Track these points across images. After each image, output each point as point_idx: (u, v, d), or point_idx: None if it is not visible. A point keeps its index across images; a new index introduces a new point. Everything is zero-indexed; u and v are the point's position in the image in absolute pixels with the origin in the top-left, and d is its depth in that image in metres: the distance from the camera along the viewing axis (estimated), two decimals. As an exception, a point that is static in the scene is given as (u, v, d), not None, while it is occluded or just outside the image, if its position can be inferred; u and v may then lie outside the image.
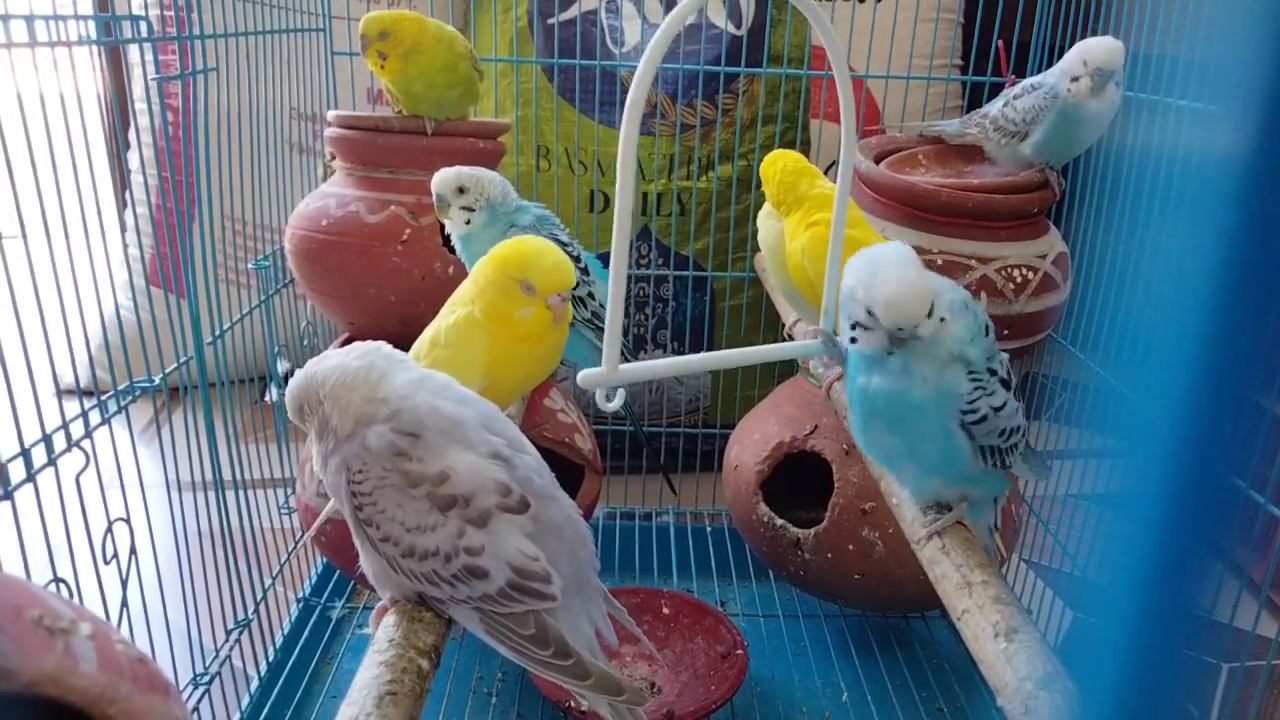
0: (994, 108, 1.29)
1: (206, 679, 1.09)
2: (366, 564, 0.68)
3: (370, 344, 0.71)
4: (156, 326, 1.05)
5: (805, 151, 1.71)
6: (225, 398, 1.14)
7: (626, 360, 0.79)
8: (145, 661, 0.50)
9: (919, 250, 1.19)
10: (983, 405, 0.70)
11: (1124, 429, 0.24)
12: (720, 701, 1.11)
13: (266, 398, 2.04)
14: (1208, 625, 0.24)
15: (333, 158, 1.28)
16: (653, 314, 1.74)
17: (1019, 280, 1.21)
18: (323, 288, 1.25)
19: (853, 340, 0.70)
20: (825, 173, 1.72)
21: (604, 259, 1.47)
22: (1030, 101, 1.22)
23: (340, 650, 1.30)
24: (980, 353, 0.70)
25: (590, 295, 1.07)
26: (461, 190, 1.05)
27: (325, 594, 1.39)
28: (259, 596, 1.23)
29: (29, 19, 0.81)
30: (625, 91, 1.63)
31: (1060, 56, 1.23)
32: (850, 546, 1.17)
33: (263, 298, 1.30)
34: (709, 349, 1.72)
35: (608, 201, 1.69)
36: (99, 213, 0.93)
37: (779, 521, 1.23)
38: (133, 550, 0.93)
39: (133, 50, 1.78)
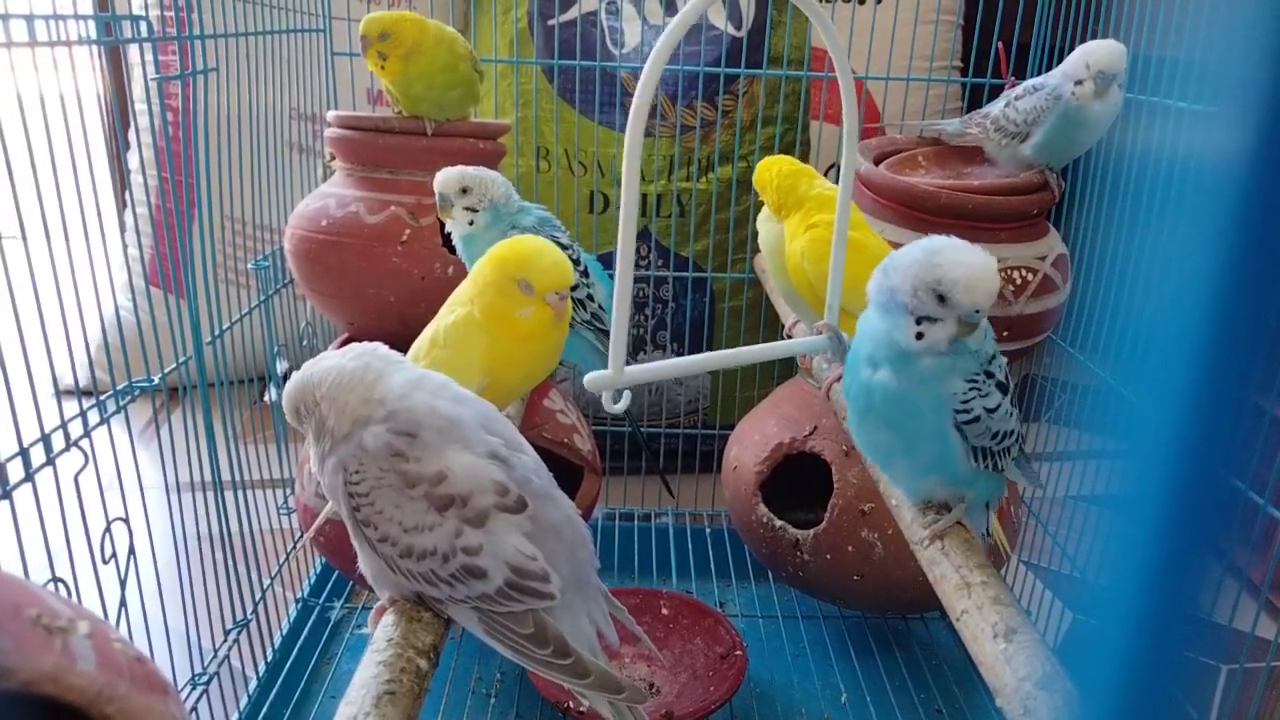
0: (995, 108, 1.29)
1: (205, 679, 1.08)
2: (365, 564, 0.68)
3: (366, 345, 0.71)
4: (156, 327, 1.05)
5: (805, 153, 1.71)
6: (224, 398, 1.14)
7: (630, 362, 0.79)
8: (143, 661, 0.50)
9: (919, 252, 1.19)
10: (976, 406, 0.70)
11: (1123, 430, 0.24)
12: (719, 702, 1.11)
13: (266, 398, 2.04)
14: (1207, 627, 0.24)
15: (333, 158, 1.28)
16: (652, 315, 1.74)
17: (1018, 282, 1.21)
18: (322, 288, 1.25)
19: (919, 336, 0.68)
20: (825, 174, 1.73)
21: (604, 260, 1.48)
22: (1032, 103, 1.22)
23: (339, 650, 1.30)
24: (979, 354, 0.70)
25: (590, 297, 1.07)
26: (465, 190, 1.05)
27: (324, 594, 1.39)
28: (258, 597, 1.23)
29: (29, 19, 0.81)
30: (625, 93, 1.64)
31: (1060, 58, 1.23)
32: (849, 548, 1.17)
33: (262, 298, 1.30)
34: (708, 350, 1.72)
35: (608, 203, 1.69)
36: (99, 213, 0.92)
37: (778, 522, 1.23)
38: (131, 550, 0.93)
39: (133, 50, 1.78)
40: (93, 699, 0.44)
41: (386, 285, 1.20)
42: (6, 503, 0.74)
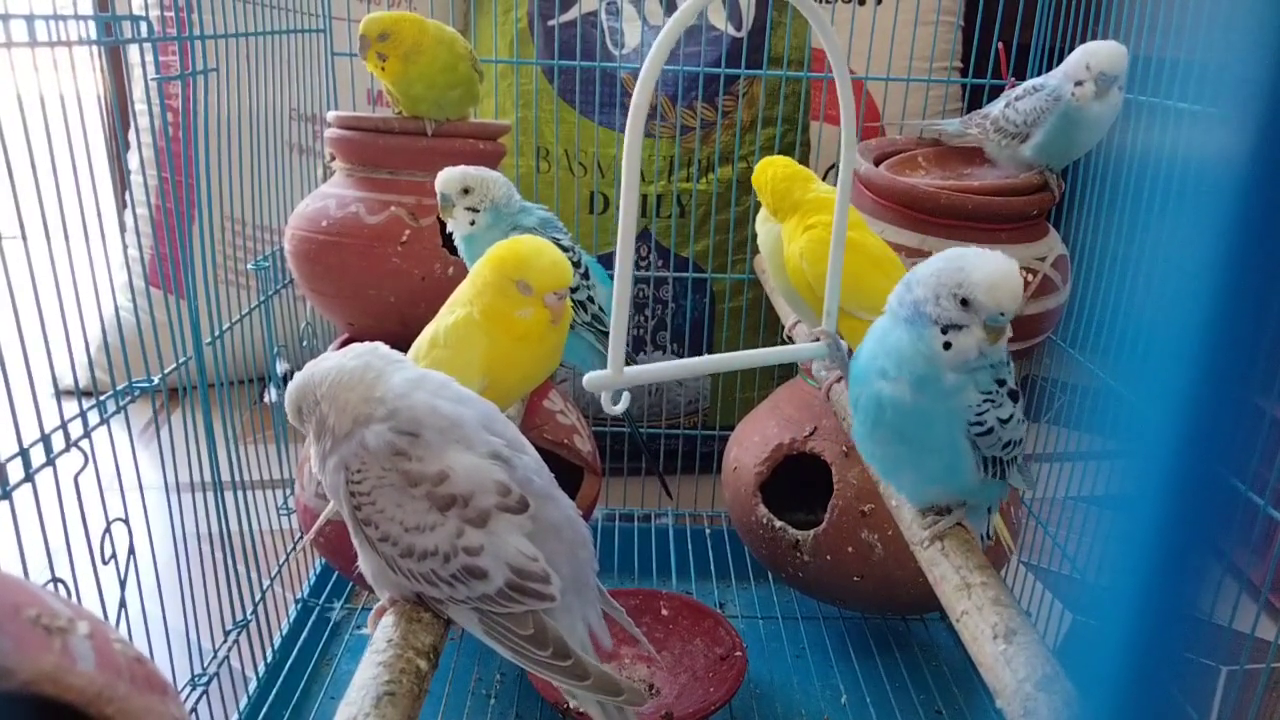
0: (995, 108, 1.29)
1: (205, 679, 1.08)
2: (365, 564, 0.68)
3: (367, 345, 0.71)
4: (156, 327, 1.05)
5: (805, 154, 1.71)
6: (224, 398, 1.14)
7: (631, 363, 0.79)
8: (143, 661, 0.50)
9: (918, 253, 1.20)
10: (990, 417, 0.69)
11: (1123, 431, 0.24)
12: (719, 703, 1.11)
13: (266, 398, 2.04)
14: (1206, 628, 0.24)
15: (333, 158, 1.28)
16: (652, 315, 1.74)
17: (1018, 282, 1.21)
18: (322, 288, 1.25)
19: (946, 346, 0.67)
20: (825, 175, 1.73)
21: (604, 261, 1.48)
22: (1032, 103, 1.22)
23: (339, 651, 1.30)
24: (996, 366, 0.70)
25: (590, 299, 1.07)
26: (467, 190, 1.05)
27: (324, 595, 1.39)
28: (257, 597, 1.23)
29: (29, 19, 0.81)
30: (625, 93, 1.64)
31: (1060, 59, 1.23)
32: (849, 548, 1.17)
33: (262, 298, 1.30)
34: (708, 351, 1.72)
35: (608, 203, 1.69)
36: (99, 213, 0.92)
37: (778, 523, 1.23)
38: (131, 551, 0.93)
39: (133, 50, 1.78)
40: (92, 699, 0.44)
41: (386, 285, 1.20)
42: (6, 503, 0.74)
